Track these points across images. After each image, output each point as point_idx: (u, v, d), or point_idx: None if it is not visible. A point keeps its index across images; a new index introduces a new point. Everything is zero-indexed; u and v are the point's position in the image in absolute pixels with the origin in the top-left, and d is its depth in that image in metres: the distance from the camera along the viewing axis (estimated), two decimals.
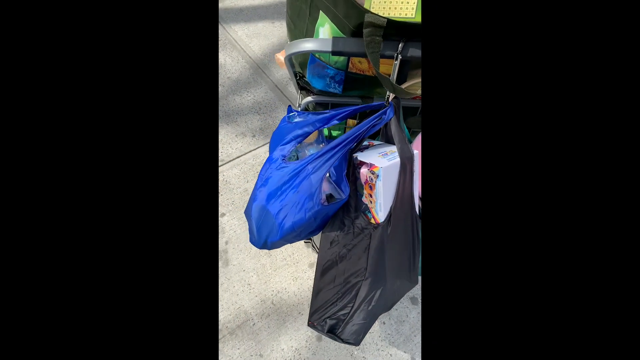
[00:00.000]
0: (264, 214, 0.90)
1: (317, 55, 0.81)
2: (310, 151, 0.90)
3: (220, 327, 1.28)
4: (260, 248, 1.06)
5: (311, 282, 1.37)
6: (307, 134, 0.84)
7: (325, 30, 0.73)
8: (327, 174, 0.86)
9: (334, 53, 0.69)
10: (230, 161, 1.69)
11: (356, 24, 0.66)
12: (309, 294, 1.35)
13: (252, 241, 1.05)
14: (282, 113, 1.85)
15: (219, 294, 1.34)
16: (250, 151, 1.72)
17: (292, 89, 1.96)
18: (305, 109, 1.01)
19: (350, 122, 1.04)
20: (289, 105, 1.00)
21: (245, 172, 1.65)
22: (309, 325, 0.93)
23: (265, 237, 0.96)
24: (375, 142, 0.86)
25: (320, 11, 0.72)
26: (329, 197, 0.82)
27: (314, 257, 1.43)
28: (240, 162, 1.68)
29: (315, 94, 0.94)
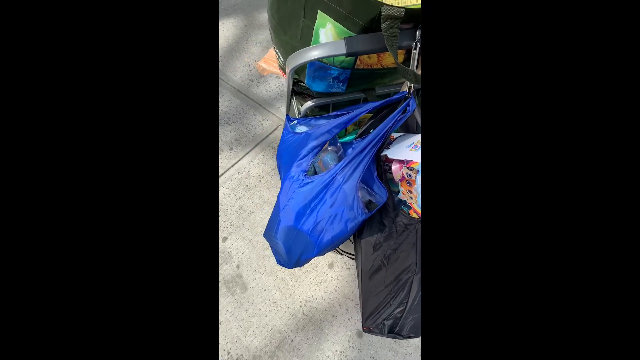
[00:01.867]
0: (295, 234, 0.85)
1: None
2: (329, 160, 0.86)
3: (258, 353, 1.23)
4: (291, 268, 1.02)
5: (336, 282, 1.35)
6: (324, 143, 0.79)
7: (328, 31, 0.68)
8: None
9: (348, 54, 0.64)
10: None
11: (368, 20, 0.62)
12: (338, 295, 1.33)
13: (281, 263, 1.00)
14: (253, 119, 1.76)
15: (247, 320, 1.28)
16: (232, 166, 1.63)
17: (255, 89, 1.87)
18: (305, 115, 0.95)
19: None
20: (287, 115, 0.94)
21: (234, 189, 1.56)
22: (364, 330, 0.92)
23: (298, 256, 0.91)
24: (395, 135, 0.84)
25: (319, 11, 0.66)
26: (368, 203, 0.79)
27: (331, 257, 1.41)
28: (226, 180, 1.59)
29: (315, 97, 0.89)
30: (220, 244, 1.43)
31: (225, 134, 1.72)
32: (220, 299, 1.32)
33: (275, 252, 1.00)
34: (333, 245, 0.84)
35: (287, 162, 0.87)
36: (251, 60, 2.00)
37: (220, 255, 1.41)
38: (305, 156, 0.80)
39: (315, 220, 0.79)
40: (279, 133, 1.71)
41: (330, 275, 1.37)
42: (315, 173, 0.84)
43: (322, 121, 0.91)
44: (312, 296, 1.33)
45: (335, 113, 0.90)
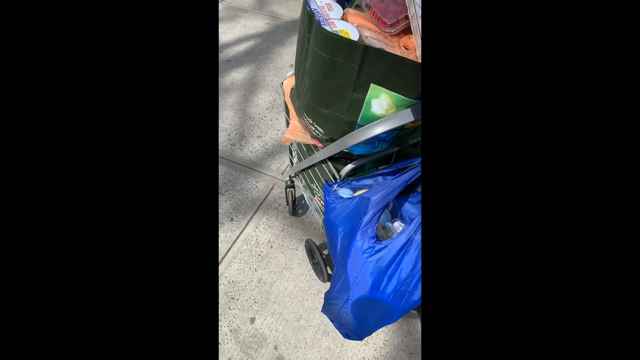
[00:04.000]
0: (371, 304, 0.81)
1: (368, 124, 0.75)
2: (385, 220, 0.84)
3: None
4: (362, 339, 0.95)
5: (382, 336, 1.29)
6: (386, 204, 0.78)
7: (382, 100, 0.69)
8: None
9: (416, 121, 0.65)
10: (223, 258, 1.48)
11: None
12: (389, 349, 1.27)
13: (349, 337, 0.94)
14: (246, 183, 1.70)
15: None
16: (237, 237, 1.53)
17: (240, 152, 1.82)
18: (343, 178, 0.94)
19: None
20: (326, 182, 0.92)
21: (247, 262, 1.46)
22: None
23: (373, 325, 0.87)
24: None
25: (372, 84, 0.68)
26: None
27: None
28: (235, 254, 1.48)
29: (355, 160, 0.88)
30: (250, 326, 1.31)
31: (221, 205, 1.63)
32: None
33: (340, 326, 0.94)
34: (418, 306, 0.81)
35: (346, 230, 0.83)
36: (226, 124, 1.96)
37: (252, 338, 1.28)
38: (369, 222, 0.78)
39: (396, 287, 0.76)
40: (277, 192, 1.67)
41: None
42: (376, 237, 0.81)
43: (366, 181, 0.90)
44: (364, 358, 1.25)
45: (381, 171, 0.90)
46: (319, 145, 0.90)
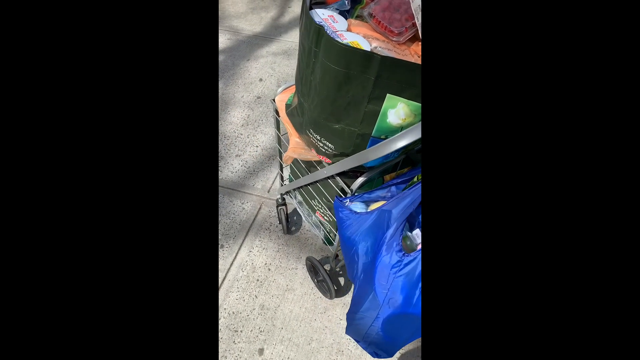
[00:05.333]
0: (403, 319, 0.78)
1: (382, 135, 0.73)
2: (406, 230, 0.82)
3: None
4: (392, 356, 0.92)
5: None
6: (408, 215, 0.76)
7: (399, 110, 0.67)
8: None
9: None
10: (219, 289, 1.38)
11: None
12: (407, 357, 1.25)
13: (378, 356, 0.90)
14: (232, 205, 1.62)
15: None
16: (231, 264, 1.44)
17: (220, 174, 1.73)
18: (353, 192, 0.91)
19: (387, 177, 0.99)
20: (337, 198, 0.88)
21: (245, 289, 1.38)
22: None
23: (405, 340, 0.84)
24: None
25: (388, 95, 0.66)
26: None
27: None
28: (232, 283, 1.40)
29: (366, 172, 0.86)
30: (259, 358, 1.23)
31: None
32: None
33: (367, 346, 0.90)
34: None
35: (368, 246, 0.80)
36: None
37: None
38: (393, 235, 0.76)
39: None
40: (266, 212, 1.60)
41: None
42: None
43: (379, 193, 0.88)
44: None
45: (393, 182, 0.88)
46: (327, 161, 0.87)
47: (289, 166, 1.36)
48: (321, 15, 0.70)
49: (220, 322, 1.30)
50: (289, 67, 2.23)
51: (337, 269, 1.41)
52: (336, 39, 0.63)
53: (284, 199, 1.44)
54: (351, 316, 0.88)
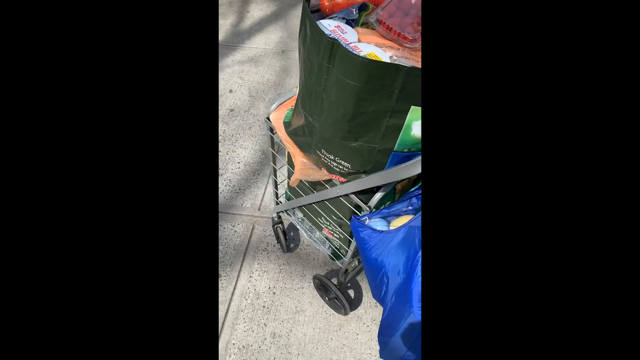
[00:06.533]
0: None
1: (406, 149, 0.68)
2: None
3: None
4: None
5: None
6: None
7: None
8: None
9: None
10: (223, 323, 1.28)
11: None
12: None
13: None
14: (222, 230, 1.51)
15: None
16: (232, 294, 1.35)
17: None
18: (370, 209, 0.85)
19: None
20: (354, 217, 0.83)
21: (252, 319, 1.29)
22: None
23: None
24: None
25: (412, 106, 0.61)
26: None
27: None
28: (236, 314, 1.30)
29: (384, 187, 0.81)
30: None
31: None
32: None
33: None
34: None
35: (399, 265, 0.76)
36: None
37: None
38: (418, 251, 0.71)
39: None
40: (259, 231, 1.51)
41: None
42: None
43: (398, 206, 0.83)
44: None
45: (414, 193, 0.84)
46: (340, 179, 0.81)
47: (285, 182, 1.28)
48: (327, 26, 0.63)
49: (230, 359, 1.21)
50: (258, 74, 2.13)
51: (348, 283, 1.36)
52: (352, 52, 0.57)
53: (280, 217, 1.36)
54: (384, 340, 0.83)
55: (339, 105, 0.63)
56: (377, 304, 1.35)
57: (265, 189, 1.64)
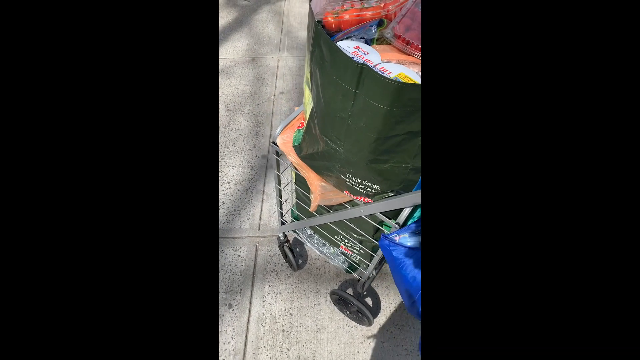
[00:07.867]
0: None
1: None
2: None
3: None
4: None
5: None
6: None
7: None
8: None
9: None
10: (244, 356, 1.23)
11: None
12: None
13: None
14: (224, 256, 1.44)
15: None
16: (247, 323, 1.29)
17: None
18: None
19: None
20: (383, 236, 0.80)
21: (274, 345, 1.24)
22: None
23: None
24: None
25: None
26: None
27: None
28: (256, 343, 1.25)
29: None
30: None
31: None
32: None
33: None
34: None
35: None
36: None
37: None
38: None
39: None
40: (264, 252, 1.46)
41: None
42: None
43: None
44: None
45: None
46: (365, 200, 0.78)
47: (290, 199, 1.23)
48: (347, 48, 0.59)
49: None
50: (232, 87, 2.04)
51: (364, 292, 1.34)
52: (382, 75, 0.54)
53: (285, 235, 1.31)
54: None
55: (371, 131, 0.60)
56: (397, 306, 1.34)
57: (262, 207, 1.58)
